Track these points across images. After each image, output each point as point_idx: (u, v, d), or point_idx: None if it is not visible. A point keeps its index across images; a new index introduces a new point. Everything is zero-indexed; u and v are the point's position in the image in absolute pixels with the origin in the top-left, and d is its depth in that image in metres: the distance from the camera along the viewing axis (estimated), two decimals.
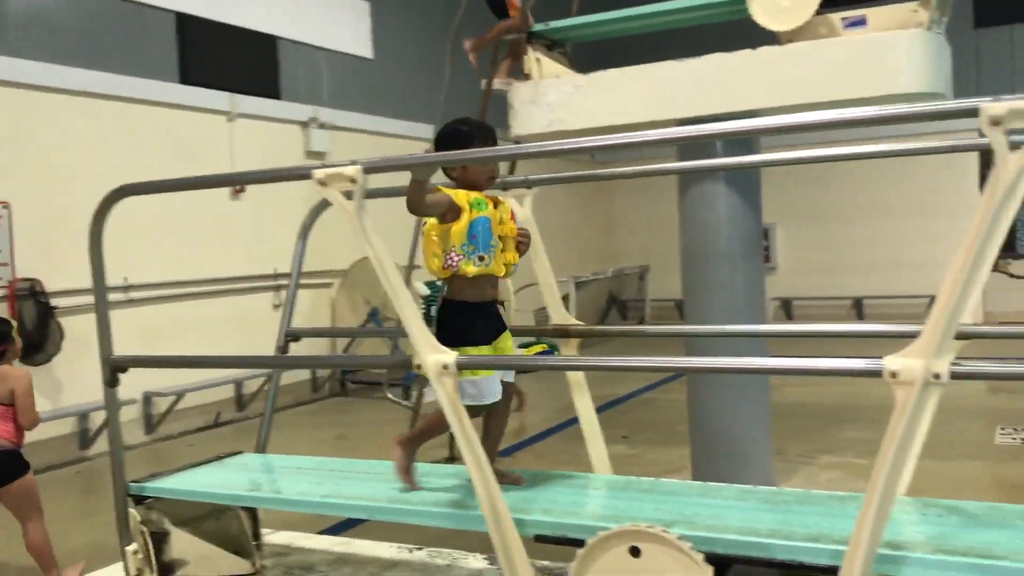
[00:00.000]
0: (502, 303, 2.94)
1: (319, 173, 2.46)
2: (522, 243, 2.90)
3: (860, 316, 13.49)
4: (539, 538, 2.59)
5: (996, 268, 12.78)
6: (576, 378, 3.25)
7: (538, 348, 10.02)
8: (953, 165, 11.73)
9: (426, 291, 8.71)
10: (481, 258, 2.74)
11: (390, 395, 6.99)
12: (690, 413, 5.38)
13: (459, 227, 2.72)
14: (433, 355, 2.44)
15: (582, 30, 5.63)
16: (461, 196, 2.75)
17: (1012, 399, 7.86)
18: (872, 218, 13.63)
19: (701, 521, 2.50)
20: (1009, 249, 12.84)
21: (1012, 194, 1.87)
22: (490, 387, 2.79)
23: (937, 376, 1.96)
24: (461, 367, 2.47)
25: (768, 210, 14.49)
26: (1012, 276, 12.57)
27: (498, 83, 5.86)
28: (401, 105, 10.79)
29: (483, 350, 2.79)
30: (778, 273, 14.22)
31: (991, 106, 1.83)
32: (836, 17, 4.83)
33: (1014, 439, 6.38)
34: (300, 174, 2.56)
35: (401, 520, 2.77)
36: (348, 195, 2.45)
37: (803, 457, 6.17)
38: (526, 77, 5.50)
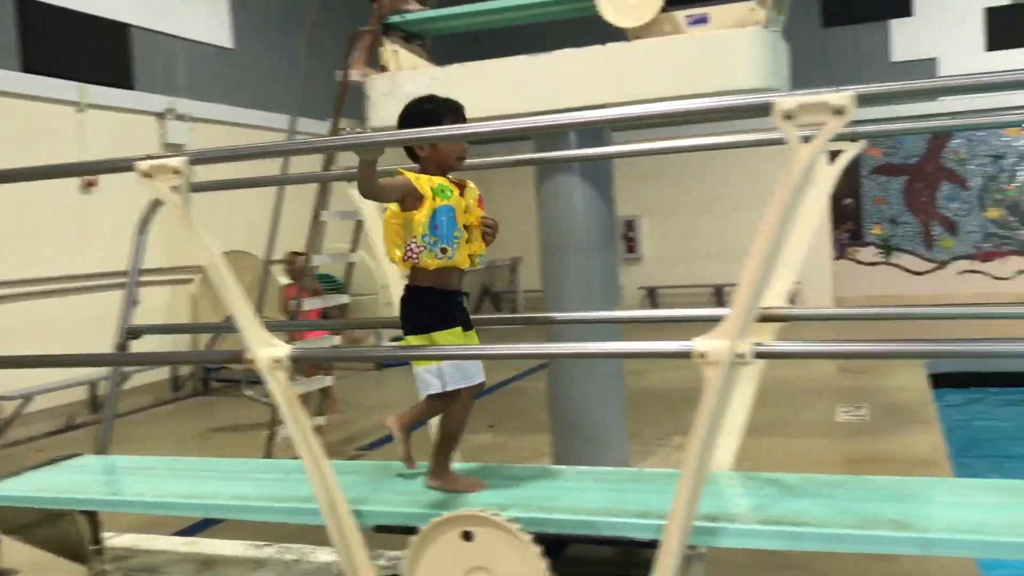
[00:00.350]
0: (466, 294, 2.84)
1: (142, 165, 2.40)
2: (488, 233, 2.74)
3: (720, 302, 14.02)
4: (379, 528, 2.61)
5: (844, 256, 13.57)
6: None
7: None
8: (844, 157, 12.37)
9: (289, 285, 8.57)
10: (444, 250, 2.59)
11: (248, 392, 6.84)
12: (550, 400, 5.49)
13: (420, 216, 2.57)
14: (265, 349, 2.42)
15: (438, 23, 5.65)
16: (423, 182, 2.58)
17: (856, 378, 8.34)
18: (731, 209, 14.16)
19: (536, 503, 2.57)
20: (855, 238, 13.67)
21: (804, 185, 1.99)
22: (460, 371, 2.65)
23: (741, 356, 2.08)
24: (295, 360, 2.46)
25: (633, 203, 14.93)
26: (859, 263, 13.36)
27: (355, 74, 5.81)
28: (263, 95, 10.56)
29: (457, 333, 2.66)
30: (644, 263, 14.64)
31: (783, 101, 1.95)
32: (680, 15, 5.01)
33: (853, 416, 6.78)
34: (122, 166, 2.48)
35: (239, 517, 2.75)
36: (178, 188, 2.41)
37: (659, 439, 6.39)
38: (383, 69, 5.49)
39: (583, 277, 5.30)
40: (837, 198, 13.44)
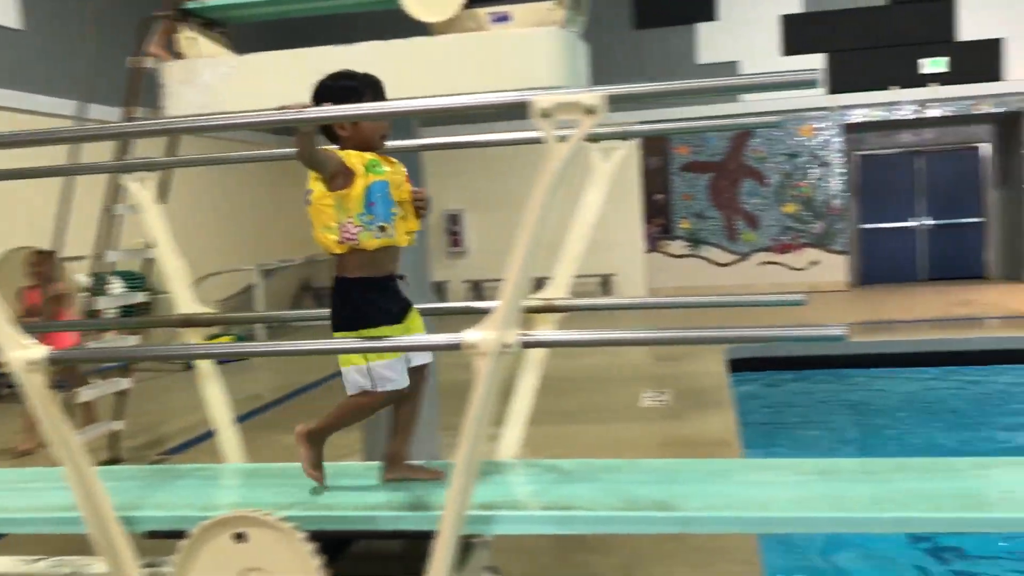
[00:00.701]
0: (402, 277, 2.62)
1: None
2: (420, 207, 2.59)
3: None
4: (153, 534, 2.52)
5: (656, 249, 14.13)
6: (205, 368, 3.17)
7: (225, 340, 9.69)
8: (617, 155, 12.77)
9: (86, 282, 8.11)
10: (382, 228, 2.44)
11: None
12: None
13: (355, 193, 2.41)
14: (18, 351, 2.28)
15: (238, 10, 5.47)
16: (353, 157, 2.43)
17: (663, 365, 8.74)
18: (552, 204, 14.51)
19: (319, 501, 2.55)
20: (666, 232, 14.31)
21: (559, 182, 2.06)
22: (393, 372, 2.50)
23: (508, 346, 2.14)
24: (54, 361, 2.32)
25: (458, 197, 14.98)
26: (669, 255, 13.98)
27: (150, 61, 5.55)
28: (57, 81, 9.87)
29: (395, 330, 2.52)
30: (469, 256, 14.75)
31: (540, 99, 2.02)
32: (483, 12, 5.08)
33: (656, 402, 7.11)
34: None
35: None
36: None
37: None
38: (179, 56, 5.27)
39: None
40: (649, 194, 14.03)
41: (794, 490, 2.51)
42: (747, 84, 1.97)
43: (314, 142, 2.31)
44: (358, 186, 2.44)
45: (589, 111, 1.98)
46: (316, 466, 2.64)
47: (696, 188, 14.05)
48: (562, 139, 2.02)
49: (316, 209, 2.48)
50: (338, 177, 2.43)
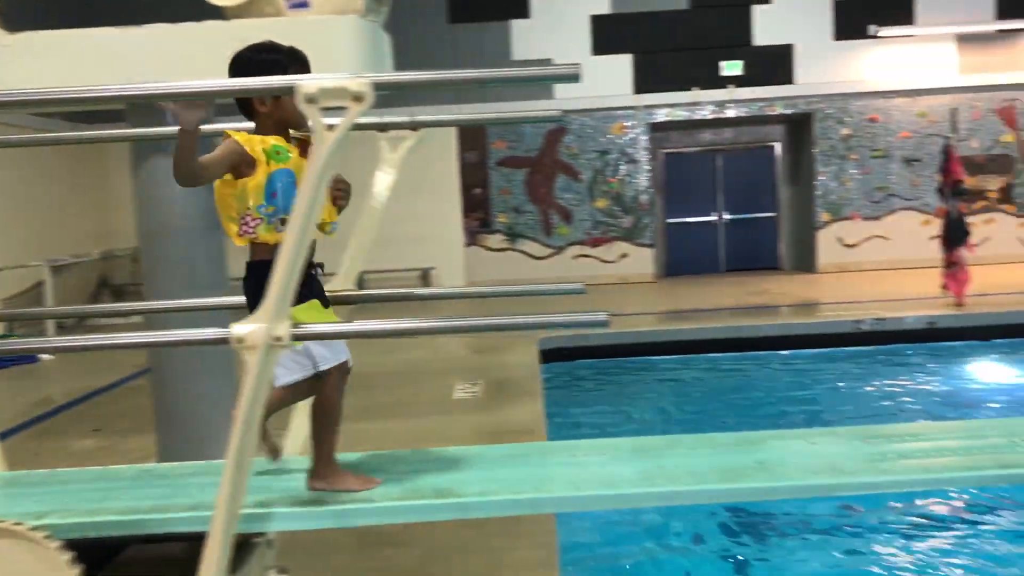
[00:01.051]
0: (320, 265, 2.42)
1: None
2: (339, 196, 2.41)
3: (361, 288, 14.12)
4: None
5: (475, 243, 14.25)
6: None
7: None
8: (433, 148, 12.75)
9: None
10: (284, 221, 2.24)
11: None
12: (153, 397, 5.20)
13: (254, 183, 2.22)
14: None
15: None
16: (255, 144, 2.22)
17: (479, 357, 8.85)
18: (402, 195, 14.30)
19: (82, 507, 2.41)
20: (484, 226, 14.49)
21: (329, 169, 2.03)
22: (328, 348, 2.40)
23: (279, 339, 2.09)
24: None
25: None
26: (488, 249, 14.15)
27: None
28: None
29: (317, 307, 2.39)
30: None
31: (305, 84, 1.97)
32: None
33: (468, 393, 7.18)
34: None
35: None
36: None
37: (280, 429, 6.30)
38: None
39: (185, 264, 5.06)
40: (467, 188, 14.13)
41: (572, 471, 2.59)
42: (513, 76, 2.01)
43: (196, 147, 2.13)
44: (258, 175, 2.28)
45: (357, 98, 1.95)
46: (348, 480, 2.47)
47: (513, 183, 14.28)
48: (331, 127, 1.98)
49: (219, 197, 2.33)
50: (241, 167, 2.27)
